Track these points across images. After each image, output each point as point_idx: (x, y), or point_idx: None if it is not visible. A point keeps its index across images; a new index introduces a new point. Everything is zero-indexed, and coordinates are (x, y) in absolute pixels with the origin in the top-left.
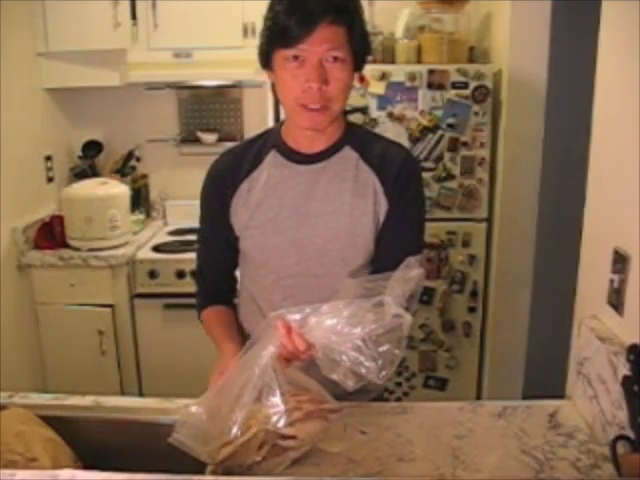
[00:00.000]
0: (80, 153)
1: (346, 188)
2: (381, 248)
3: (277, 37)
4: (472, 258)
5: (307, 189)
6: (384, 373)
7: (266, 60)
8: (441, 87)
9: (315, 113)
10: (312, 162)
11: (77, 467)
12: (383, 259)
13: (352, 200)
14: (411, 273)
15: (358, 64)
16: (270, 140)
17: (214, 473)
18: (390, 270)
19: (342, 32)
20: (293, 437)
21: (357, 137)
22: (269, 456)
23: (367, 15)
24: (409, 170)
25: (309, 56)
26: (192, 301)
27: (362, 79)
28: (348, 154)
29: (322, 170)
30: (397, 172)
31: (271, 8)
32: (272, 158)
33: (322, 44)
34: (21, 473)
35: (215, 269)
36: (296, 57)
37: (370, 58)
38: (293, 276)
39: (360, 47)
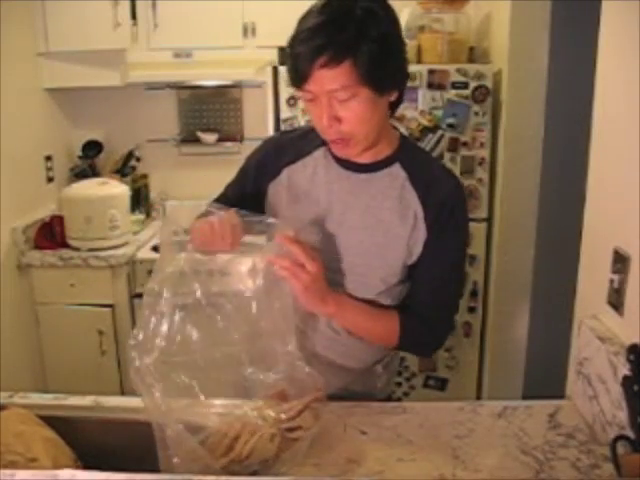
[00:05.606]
0: (80, 153)
1: (387, 207)
2: (415, 287)
3: (289, 74)
4: (472, 258)
5: (349, 198)
6: None
7: None
8: (441, 87)
9: (339, 145)
10: (359, 171)
11: (77, 467)
12: (415, 301)
13: (390, 220)
14: None
15: (382, 88)
16: (321, 136)
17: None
18: (422, 313)
19: (344, 70)
20: (299, 427)
21: (409, 155)
22: (284, 447)
23: None
24: (453, 203)
25: (315, 95)
26: None
27: None
28: (397, 172)
29: (367, 182)
30: (441, 203)
31: (298, 27)
32: (321, 155)
33: (322, 86)
34: (21, 473)
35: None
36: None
37: None
38: None
39: (379, 74)
